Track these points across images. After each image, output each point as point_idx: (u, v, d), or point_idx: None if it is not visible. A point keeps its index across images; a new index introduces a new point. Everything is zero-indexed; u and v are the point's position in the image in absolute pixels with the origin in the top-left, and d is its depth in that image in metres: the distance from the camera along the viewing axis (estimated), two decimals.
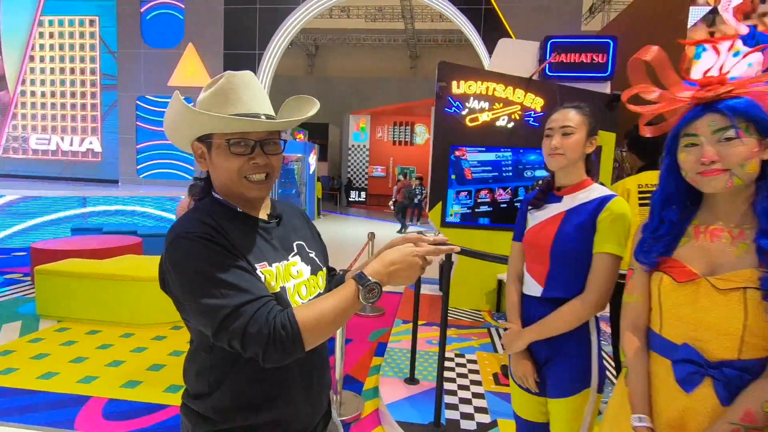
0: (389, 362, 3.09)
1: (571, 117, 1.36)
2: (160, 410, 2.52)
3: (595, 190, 1.36)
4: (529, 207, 1.49)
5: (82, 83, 10.96)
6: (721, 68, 0.93)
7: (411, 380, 2.78)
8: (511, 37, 8.75)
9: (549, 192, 1.45)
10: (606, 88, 4.07)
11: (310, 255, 1.03)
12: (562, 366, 1.34)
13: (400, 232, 10.51)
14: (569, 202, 1.38)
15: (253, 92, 0.90)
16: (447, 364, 3.05)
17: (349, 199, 17.37)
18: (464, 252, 2.34)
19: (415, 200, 11.21)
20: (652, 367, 1.00)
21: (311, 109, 0.99)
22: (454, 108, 4.10)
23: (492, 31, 8.99)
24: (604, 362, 1.39)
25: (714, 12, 7.10)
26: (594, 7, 15.08)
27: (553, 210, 1.40)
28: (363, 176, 17.70)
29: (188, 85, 9.84)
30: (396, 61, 19.67)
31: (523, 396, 1.46)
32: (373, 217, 13.26)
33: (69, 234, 6.27)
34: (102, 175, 10.97)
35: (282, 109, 1.03)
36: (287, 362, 0.81)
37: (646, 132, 1.07)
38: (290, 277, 0.94)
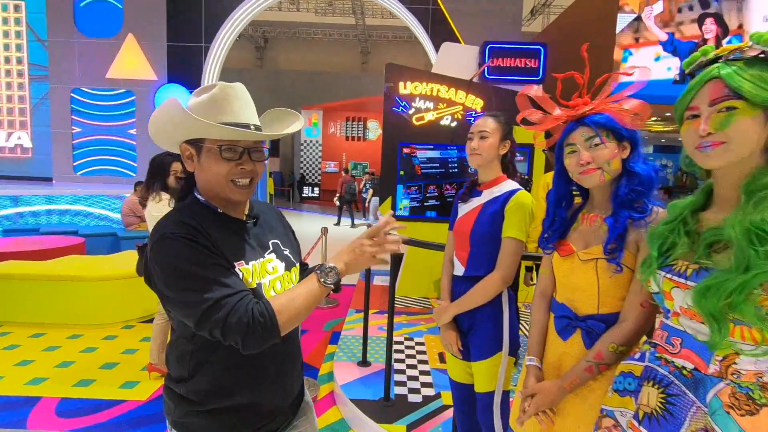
0: (343, 348, 3.28)
1: (487, 123, 1.62)
2: (117, 405, 2.56)
3: (507, 185, 1.63)
4: (459, 201, 1.73)
5: (8, 73, 10.17)
6: (584, 92, 1.19)
7: (363, 363, 2.99)
8: (457, 36, 9.14)
9: (473, 188, 1.70)
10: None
11: (285, 252, 1.11)
12: (479, 333, 1.60)
13: (336, 225, 10.82)
14: (487, 195, 1.64)
15: (242, 103, 0.97)
16: (397, 347, 3.30)
17: (302, 195, 17.28)
18: (411, 242, 2.57)
19: (364, 195, 11.51)
20: (550, 324, 1.27)
21: (296, 122, 1.09)
22: (401, 107, 4.33)
23: (439, 31, 9.33)
24: (519, 331, 1.66)
25: (638, 19, 7.84)
26: (535, 9, 15.89)
27: (474, 203, 1.66)
28: (316, 172, 17.65)
29: (130, 77, 9.42)
30: (347, 56, 19.67)
31: (454, 362, 1.72)
32: (327, 213, 13.33)
33: (1, 235, 5.90)
34: (33, 172, 10.27)
35: (264, 118, 1.10)
36: (265, 347, 0.90)
37: (540, 145, 1.33)
38: (266, 273, 1.02)
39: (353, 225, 10.90)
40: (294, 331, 1.02)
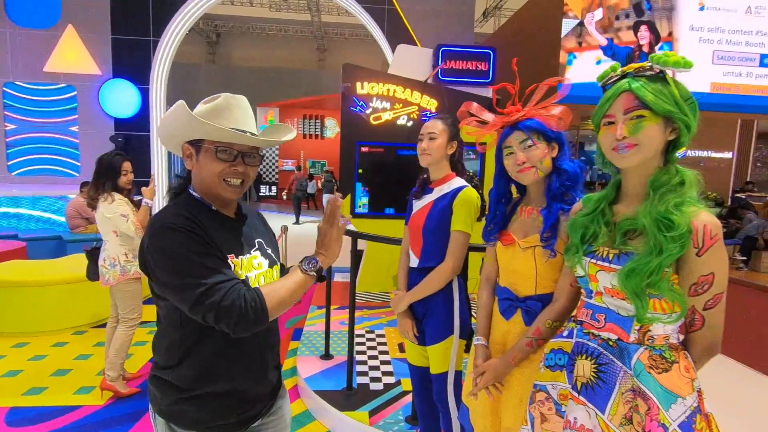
0: (306, 343, 3.35)
1: (436, 125, 1.76)
2: (73, 411, 2.50)
3: (455, 183, 1.77)
4: (413, 198, 1.86)
5: None
6: (516, 100, 1.35)
7: (326, 356, 3.08)
8: (412, 36, 9.33)
9: (425, 186, 1.83)
10: (488, 92, 4.70)
11: (268, 251, 1.19)
12: (433, 319, 1.74)
13: (296, 223, 11.05)
14: (437, 192, 1.77)
15: (243, 112, 1.07)
16: (359, 339, 3.41)
17: (260, 194, 16.94)
18: (370, 237, 2.69)
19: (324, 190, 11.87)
20: (494, 307, 1.42)
21: (289, 134, 1.19)
22: (358, 107, 4.43)
23: (395, 30, 9.47)
24: (470, 317, 1.81)
25: (581, 25, 8.35)
26: (487, 11, 16.43)
27: (426, 199, 1.79)
28: (273, 170, 17.35)
29: (71, 71, 8.90)
30: (304, 53, 19.44)
31: (412, 347, 1.85)
32: (285, 212, 13.18)
33: None
34: None
35: (264, 132, 1.21)
36: (254, 332, 0.97)
37: (482, 149, 1.48)
38: (252, 268, 1.10)
39: (297, 222, 11.26)
40: (274, 322, 1.11)
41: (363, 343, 3.35)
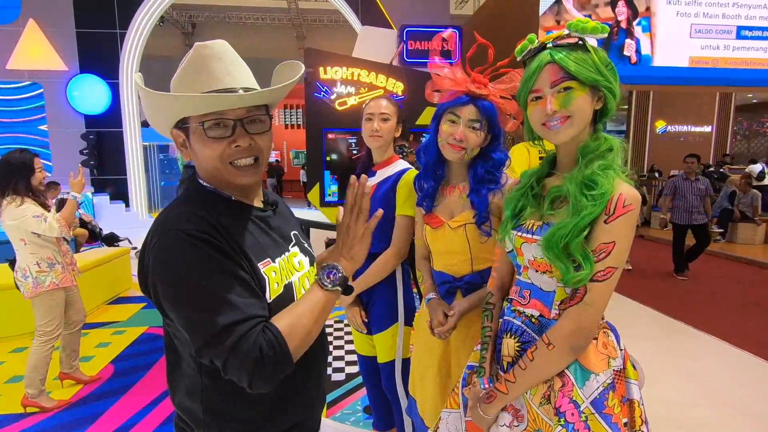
0: None
1: (386, 106, 1.67)
2: (22, 419, 2.42)
3: (398, 165, 1.70)
4: None
5: None
6: (488, 71, 1.28)
7: None
8: (387, 20, 9.14)
9: (367, 170, 1.75)
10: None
11: (305, 245, 0.97)
12: (377, 307, 1.68)
13: None
14: (380, 176, 1.70)
15: (224, 64, 0.78)
16: (327, 330, 3.35)
17: None
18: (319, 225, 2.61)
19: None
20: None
21: (294, 75, 0.89)
22: (323, 93, 4.30)
23: (369, 14, 9.26)
24: (414, 302, 1.75)
25: (559, 2, 8.23)
26: None
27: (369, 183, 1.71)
28: None
29: (35, 67, 8.60)
30: (283, 41, 19.05)
31: (359, 336, 1.80)
32: None
33: None
34: None
35: (273, 79, 0.93)
36: (276, 384, 0.73)
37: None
38: (293, 270, 0.87)
39: None
40: (323, 336, 0.91)
41: (330, 334, 3.30)
